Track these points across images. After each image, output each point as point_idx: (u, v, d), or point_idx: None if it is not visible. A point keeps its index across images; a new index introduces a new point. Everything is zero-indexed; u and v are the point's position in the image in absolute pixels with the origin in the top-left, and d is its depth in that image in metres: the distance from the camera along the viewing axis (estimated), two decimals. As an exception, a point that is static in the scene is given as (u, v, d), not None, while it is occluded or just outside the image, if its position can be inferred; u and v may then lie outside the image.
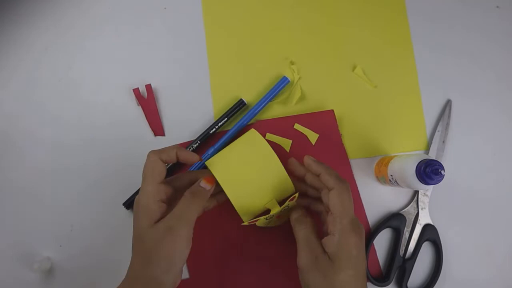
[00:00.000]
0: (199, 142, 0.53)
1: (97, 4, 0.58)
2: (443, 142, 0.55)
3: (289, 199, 0.45)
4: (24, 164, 0.55)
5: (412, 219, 0.54)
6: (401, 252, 0.53)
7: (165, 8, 0.58)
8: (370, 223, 0.54)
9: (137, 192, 0.53)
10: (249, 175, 0.45)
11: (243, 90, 0.56)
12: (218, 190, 0.46)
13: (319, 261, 0.41)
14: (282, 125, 0.54)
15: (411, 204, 0.54)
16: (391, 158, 0.50)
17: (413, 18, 0.58)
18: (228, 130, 0.54)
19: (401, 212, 0.54)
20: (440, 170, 0.42)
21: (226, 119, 0.54)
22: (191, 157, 0.44)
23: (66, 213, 0.54)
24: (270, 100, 0.55)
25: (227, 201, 0.46)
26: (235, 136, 0.53)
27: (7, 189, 0.54)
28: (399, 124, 0.56)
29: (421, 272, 0.54)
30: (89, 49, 0.57)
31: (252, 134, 0.48)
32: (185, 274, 0.52)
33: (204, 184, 0.43)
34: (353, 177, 0.54)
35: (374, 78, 0.57)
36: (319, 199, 0.47)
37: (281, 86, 0.55)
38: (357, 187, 0.54)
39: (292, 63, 0.57)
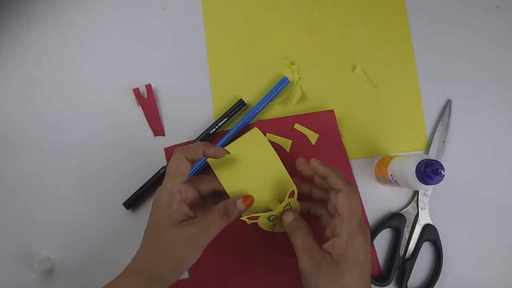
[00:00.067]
0: (198, 142, 0.53)
1: (97, 4, 0.58)
2: (443, 142, 0.55)
3: (288, 195, 0.44)
4: (24, 164, 0.55)
5: (412, 219, 0.54)
6: (401, 252, 0.53)
7: (165, 8, 0.58)
8: (370, 223, 0.54)
9: (137, 192, 0.53)
10: (250, 174, 0.45)
11: (243, 90, 0.56)
12: None
13: (323, 265, 0.40)
14: (282, 125, 0.54)
15: (411, 204, 0.54)
16: (391, 158, 0.50)
17: (413, 18, 0.58)
18: (229, 130, 0.54)
19: (401, 212, 0.54)
20: (440, 170, 0.42)
21: (226, 119, 0.54)
22: (218, 152, 0.44)
23: (66, 213, 0.54)
24: (270, 101, 0.55)
25: None
26: (235, 136, 0.53)
27: (7, 189, 0.54)
28: (399, 124, 0.56)
29: (421, 272, 0.54)
30: (89, 49, 0.57)
31: (255, 133, 0.47)
32: (185, 274, 0.52)
33: (240, 204, 0.43)
34: (353, 177, 0.54)
35: (374, 78, 0.57)
36: (320, 202, 0.47)
37: (281, 86, 0.55)
38: (357, 187, 0.54)
39: (292, 63, 0.57)
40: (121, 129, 0.55)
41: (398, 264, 0.52)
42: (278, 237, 0.51)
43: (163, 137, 0.55)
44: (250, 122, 0.55)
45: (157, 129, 0.55)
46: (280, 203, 0.45)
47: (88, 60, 0.57)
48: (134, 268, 0.41)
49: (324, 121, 0.55)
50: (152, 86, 0.56)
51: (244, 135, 0.49)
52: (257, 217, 0.44)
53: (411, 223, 0.53)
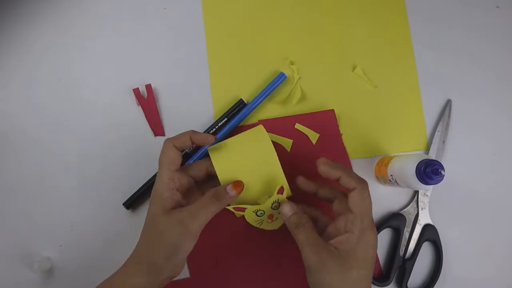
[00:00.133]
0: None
1: (97, 4, 0.58)
2: (443, 142, 0.55)
3: (277, 191, 0.44)
4: (23, 164, 0.55)
5: (412, 219, 0.54)
6: (401, 252, 0.53)
7: (165, 8, 0.58)
8: (370, 223, 0.54)
9: (137, 192, 0.53)
10: (245, 167, 0.45)
11: (243, 90, 0.56)
12: None
13: (329, 259, 0.40)
14: (283, 125, 0.55)
15: (411, 204, 0.54)
16: (391, 158, 0.50)
17: (413, 18, 0.58)
18: (225, 125, 0.54)
19: (401, 212, 0.54)
20: (440, 170, 0.42)
21: (226, 119, 0.54)
22: (205, 138, 0.44)
23: (66, 213, 0.54)
24: (267, 96, 0.55)
25: None
26: (231, 132, 0.54)
27: (7, 189, 0.54)
28: (399, 124, 0.56)
29: (421, 272, 0.54)
30: (89, 49, 0.57)
31: (259, 130, 0.47)
32: (185, 274, 0.52)
33: (230, 189, 0.43)
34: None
35: (374, 78, 0.57)
36: (323, 204, 0.47)
37: (278, 82, 0.55)
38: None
39: (292, 63, 0.57)
40: (121, 129, 0.55)
41: (398, 264, 0.52)
42: (279, 237, 0.51)
43: (163, 137, 0.55)
44: (251, 122, 0.55)
45: (157, 129, 0.55)
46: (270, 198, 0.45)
47: (88, 60, 0.57)
48: (132, 258, 0.42)
49: (325, 120, 0.55)
50: (152, 86, 0.56)
51: (248, 130, 0.49)
52: (243, 209, 0.45)
53: (411, 223, 0.53)
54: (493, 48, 0.57)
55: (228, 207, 0.44)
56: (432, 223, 0.53)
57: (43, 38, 0.57)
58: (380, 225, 0.53)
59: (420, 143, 0.56)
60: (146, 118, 0.55)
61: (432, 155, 0.54)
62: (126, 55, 0.57)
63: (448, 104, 0.56)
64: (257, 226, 0.47)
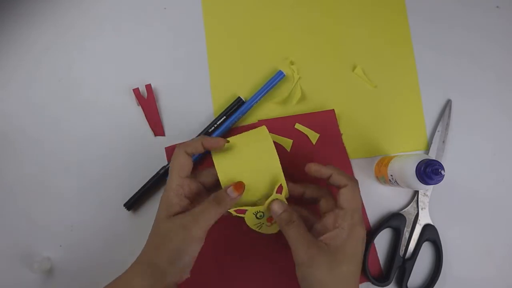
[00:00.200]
0: (197, 136, 0.53)
1: (97, 4, 0.58)
2: (443, 142, 0.55)
3: (276, 190, 0.44)
4: (24, 164, 0.55)
5: (412, 219, 0.54)
6: (401, 252, 0.53)
7: (165, 8, 0.58)
8: (370, 223, 0.54)
9: (137, 193, 0.53)
10: (247, 169, 0.45)
11: (243, 90, 0.56)
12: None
13: (319, 255, 0.41)
14: (283, 125, 0.55)
15: (411, 204, 0.54)
16: (391, 158, 0.50)
17: (413, 18, 0.58)
18: (223, 123, 0.54)
19: (401, 212, 0.54)
20: (440, 170, 0.42)
21: (224, 117, 0.54)
22: (216, 143, 0.44)
23: (66, 213, 0.54)
24: (265, 93, 0.55)
25: None
26: (229, 130, 0.54)
27: (7, 189, 0.54)
28: (399, 124, 0.56)
29: (421, 272, 0.54)
30: (89, 49, 0.57)
31: (262, 130, 0.47)
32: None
33: (231, 191, 0.43)
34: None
35: (374, 78, 0.57)
36: (303, 204, 0.47)
37: (276, 80, 0.55)
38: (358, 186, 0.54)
39: (292, 63, 0.57)
40: (121, 129, 0.55)
41: (398, 264, 0.52)
42: (278, 238, 0.51)
43: (163, 137, 0.55)
44: (251, 122, 0.55)
45: (157, 129, 0.55)
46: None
47: (88, 60, 0.57)
48: (137, 261, 0.42)
49: (325, 120, 0.55)
50: (152, 86, 0.56)
51: (251, 130, 0.49)
52: (244, 211, 0.45)
53: (411, 223, 0.53)
54: (493, 48, 0.57)
55: (230, 210, 0.44)
56: (432, 223, 0.53)
57: (43, 38, 0.57)
58: (380, 225, 0.53)
59: (420, 143, 0.56)
60: (146, 118, 0.55)
61: (432, 155, 0.54)
62: (126, 55, 0.57)
63: (448, 104, 0.56)
64: (257, 230, 0.47)
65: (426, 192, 0.54)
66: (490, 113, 0.56)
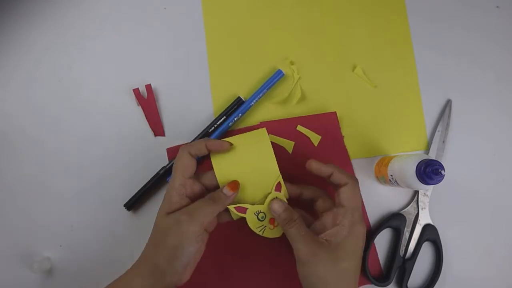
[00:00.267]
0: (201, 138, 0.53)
1: (97, 4, 0.58)
2: (443, 142, 0.55)
3: (274, 188, 0.44)
4: (24, 164, 0.55)
5: (412, 219, 0.54)
6: (401, 252, 0.53)
7: (165, 8, 0.58)
8: (370, 223, 0.54)
9: (137, 194, 0.53)
10: (245, 169, 0.45)
11: (243, 90, 0.56)
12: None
13: (320, 251, 0.41)
14: (285, 127, 0.54)
15: (411, 204, 0.54)
16: (391, 158, 0.50)
17: (413, 18, 0.58)
18: (222, 124, 0.54)
19: (401, 212, 0.54)
20: (440, 170, 0.42)
21: (224, 117, 0.54)
22: (220, 145, 0.45)
23: (66, 213, 0.54)
24: (264, 93, 0.55)
25: None
26: (229, 131, 0.54)
27: (7, 189, 0.54)
28: (399, 124, 0.56)
29: (421, 272, 0.54)
30: (89, 49, 0.57)
31: (261, 132, 0.47)
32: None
33: (226, 190, 0.44)
34: (354, 178, 0.54)
35: (374, 78, 0.57)
36: (300, 205, 0.47)
37: (275, 79, 0.55)
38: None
39: (292, 63, 0.57)
40: (121, 129, 0.55)
41: (398, 264, 0.52)
42: (279, 239, 0.51)
43: (163, 137, 0.55)
44: (252, 123, 0.55)
45: (157, 129, 0.55)
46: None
47: (88, 60, 0.57)
48: (138, 261, 0.43)
49: (327, 123, 0.55)
50: (152, 86, 0.56)
51: (250, 132, 0.49)
52: (244, 210, 0.45)
53: (411, 223, 0.53)
54: (493, 48, 0.57)
55: (230, 207, 0.44)
56: (432, 223, 0.53)
57: (43, 38, 0.57)
58: (380, 225, 0.53)
59: (420, 143, 0.56)
60: (146, 118, 0.55)
61: (432, 155, 0.54)
62: (126, 55, 0.57)
63: (448, 104, 0.56)
64: (260, 233, 0.47)
65: (426, 192, 0.54)
66: (490, 113, 0.56)
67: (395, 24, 0.58)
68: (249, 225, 0.46)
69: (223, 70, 0.57)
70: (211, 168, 0.46)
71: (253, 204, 0.46)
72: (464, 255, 0.54)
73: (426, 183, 0.43)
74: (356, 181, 0.45)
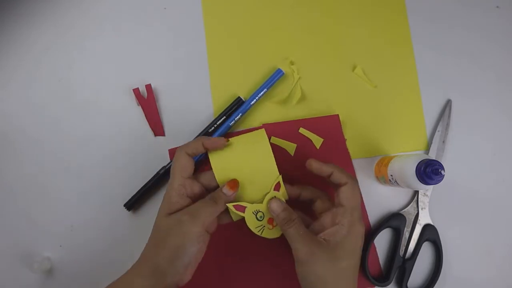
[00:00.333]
0: (198, 137, 0.53)
1: (97, 4, 0.58)
2: (443, 142, 0.55)
3: (274, 188, 0.44)
4: (24, 164, 0.55)
5: (412, 219, 0.54)
6: (401, 252, 0.53)
7: (165, 8, 0.58)
8: (370, 223, 0.54)
9: (137, 194, 0.53)
10: (244, 170, 0.45)
11: (243, 90, 0.56)
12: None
13: (319, 250, 0.41)
14: (287, 129, 0.54)
15: (411, 204, 0.54)
16: (391, 158, 0.50)
17: (413, 18, 0.58)
18: (223, 124, 0.54)
19: (401, 212, 0.54)
20: (440, 170, 0.42)
21: (224, 117, 0.54)
22: (217, 143, 0.45)
23: (66, 213, 0.54)
24: (265, 92, 0.54)
25: None
26: (229, 131, 0.54)
27: (7, 189, 0.54)
28: (399, 124, 0.56)
29: (421, 272, 0.54)
30: (89, 49, 0.57)
31: (260, 133, 0.47)
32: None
33: (226, 189, 0.44)
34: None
35: (374, 78, 0.57)
36: (298, 206, 0.47)
37: (275, 78, 0.55)
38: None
39: (292, 63, 0.57)
40: (121, 129, 0.55)
41: (398, 264, 0.52)
42: (279, 240, 0.51)
43: (163, 137, 0.55)
44: (254, 125, 0.55)
45: (157, 129, 0.55)
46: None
47: (88, 60, 0.57)
48: (139, 261, 0.43)
49: (329, 125, 0.55)
50: (152, 86, 0.56)
51: (249, 133, 0.49)
52: (243, 208, 0.45)
53: (411, 223, 0.53)
54: (493, 48, 0.57)
55: (228, 205, 0.45)
56: (432, 223, 0.53)
57: (43, 38, 0.57)
58: (380, 225, 0.53)
59: (420, 143, 0.56)
60: (146, 118, 0.55)
61: (432, 155, 0.54)
62: (126, 55, 0.57)
63: (448, 104, 0.56)
64: (259, 233, 0.47)
65: (426, 192, 0.54)
66: (490, 113, 0.56)
67: (395, 24, 0.58)
68: (248, 225, 0.46)
69: (223, 70, 0.57)
70: (210, 168, 0.46)
71: (253, 203, 0.46)
72: (464, 255, 0.54)
73: (426, 183, 0.43)
74: (355, 180, 0.45)
